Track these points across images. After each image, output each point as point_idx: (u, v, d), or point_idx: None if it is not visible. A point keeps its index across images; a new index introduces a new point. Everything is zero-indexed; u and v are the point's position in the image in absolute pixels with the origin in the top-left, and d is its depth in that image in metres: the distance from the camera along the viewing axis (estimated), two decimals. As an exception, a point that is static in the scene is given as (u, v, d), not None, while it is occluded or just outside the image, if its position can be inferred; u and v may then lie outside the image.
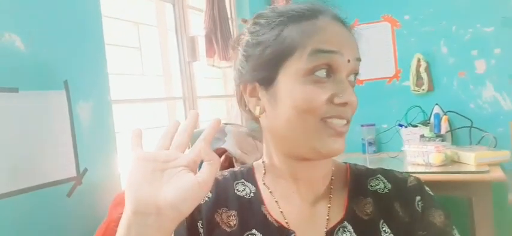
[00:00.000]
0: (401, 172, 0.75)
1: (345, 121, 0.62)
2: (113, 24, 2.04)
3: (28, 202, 1.40)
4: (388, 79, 3.00)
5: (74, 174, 1.56)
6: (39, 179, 1.44)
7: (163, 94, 2.39)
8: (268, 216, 0.67)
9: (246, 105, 0.70)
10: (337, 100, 0.60)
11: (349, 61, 0.61)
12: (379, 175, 0.73)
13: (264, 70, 0.64)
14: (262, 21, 0.67)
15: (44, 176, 1.46)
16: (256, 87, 0.66)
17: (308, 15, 0.63)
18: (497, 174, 1.88)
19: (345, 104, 0.60)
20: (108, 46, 1.83)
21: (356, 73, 0.65)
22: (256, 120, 0.70)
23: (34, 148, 1.44)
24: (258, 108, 0.67)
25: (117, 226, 0.51)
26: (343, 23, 0.66)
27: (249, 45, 0.67)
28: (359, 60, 0.64)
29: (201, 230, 0.66)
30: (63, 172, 1.52)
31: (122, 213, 0.51)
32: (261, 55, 0.64)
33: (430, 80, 2.82)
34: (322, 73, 0.60)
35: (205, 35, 2.40)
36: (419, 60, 2.82)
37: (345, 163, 0.77)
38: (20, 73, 1.42)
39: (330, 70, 0.61)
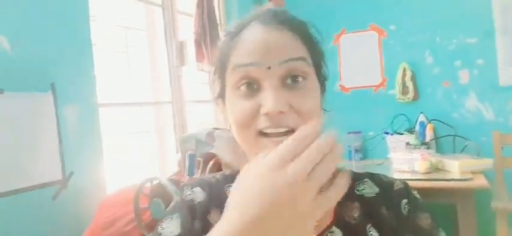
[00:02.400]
0: (387, 176, 0.75)
1: (282, 129, 0.58)
2: (102, 27, 2.02)
3: (12, 205, 1.37)
4: (374, 88, 3.04)
5: (59, 177, 1.54)
6: (24, 182, 1.41)
7: (151, 98, 2.37)
8: None
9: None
10: (261, 111, 0.58)
11: (269, 67, 0.58)
12: (366, 179, 0.74)
13: (219, 86, 0.67)
14: (223, 37, 0.68)
15: (29, 179, 1.43)
16: (220, 102, 0.68)
17: (240, 28, 0.63)
18: (481, 181, 1.92)
19: (266, 113, 0.57)
20: (96, 49, 1.81)
21: (295, 75, 0.59)
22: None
23: (19, 151, 1.41)
24: (227, 122, 0.68)
25: (102, 230, 0.50)
26: (277, 24, 0.61)
27: (214, 62, 0.69)
28: (293, 60, 0.59)
29: (199, 230, 0.66)
30: (49, 175, 1.50)
31: (108, 218, 0.50)
32: (216, 71, 0.67)
33: (415, 89, 2.87)
34: (247, 86, 0.59)
35: (194, 40, 2.40)
36: (405, 70, 2.86)
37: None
38: (6, 75, 1.40)
39: (254, 81, 0.59)
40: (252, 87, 0.59)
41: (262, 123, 0.58)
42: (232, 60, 0.61)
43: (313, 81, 0.62)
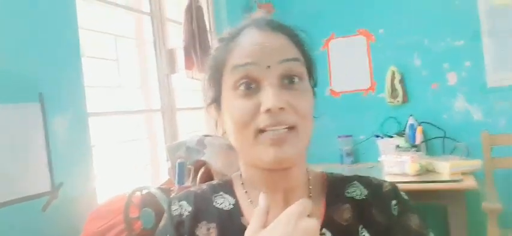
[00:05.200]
0: (376, 178, 0.76)
1: (281, 127, 0.61)
2: (91, 36, 2.02)
3: (1, 217, 1.35)
4: (364, 92, 3.07)
5: (48, 188, 1.52)
6: (13, 193, 1.40)
7: (142, 107, 2.37)
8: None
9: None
10: (261, 109, 0.61)
11: (269, 67, 0.62)
12: (355, 182, 0.74)
13: (214, 91, 0.69)
14: (216, 45, 0.71)
15: (18, 190, 1.42)
16: (215, 108, 0.70)
17: (236, 33, 0.67)
18: (470, 182, 1.94)
19: (267, 111, 0.60)
20: (85, 58, 1.80)
21: (291, 75, 0.63)
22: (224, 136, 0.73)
23: (7, 162, 1.40)
24: (220, 128, 0.70)
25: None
26: (271, 28, 0.66)
27: (206, 69, 0.72)
28: (289, 60, 0.63)
29: None
30: (38, 186, 1.48)
31: (98, 228, 0.50)
32: (210, 77, 0.70)
33: (405, 92, 2.89)
34: (246, 86, 0.62)
35: (184, 47, 2.40)
36: (394, 73, 2.89)
37: (322, 172, 0.78)
38: (-7, 86, 1.39)
39: (252, 81, 0.62)
40: (250, 87, 0.62)
41: (262, 121, 0.61)
42: (230, 62, 0.64)
43: (306, 83, 0.66)
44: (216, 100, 0.69)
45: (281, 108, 0.60)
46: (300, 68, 0.65)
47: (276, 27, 0.67)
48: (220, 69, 0.67)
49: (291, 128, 0.61)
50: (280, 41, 0.65)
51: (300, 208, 0.55)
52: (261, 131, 0.61)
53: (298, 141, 0.62)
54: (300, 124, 0.62)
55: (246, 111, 0.62)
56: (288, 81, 0.63)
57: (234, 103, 0.63)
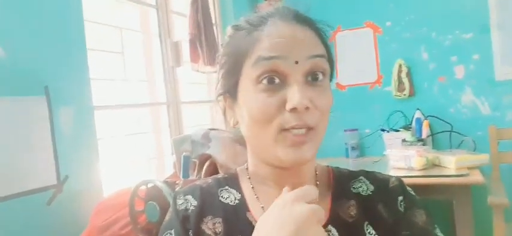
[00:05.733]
0: (382, 173, 0.75)
1: (303, 130, 0.59)
2: (96, 28, 2.02)
3: (6, 211, 1.36)
4: (370, 85, 3.04)
5: (54, 181, 1.53)
6: (18, 187, 1.40)
7: (147, 100, 2.37)
8: (253, 222, 0.67)
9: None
10: (287, 107, 0.58)
11: (297, 62, 0.59)
12: (361, 177, 0.74)
13: (229, 81, 0.66)
14: (232, 32, 0.68)
15: (23, 184, 1.42)
16: (228, 98, 0.68)
17: (259, 23, 0.63)
18: (477, 177, 1.92)
19: (294, 109, 0.58)
20: (90, 51, 1.80)
21: (316, 72, 0.61)
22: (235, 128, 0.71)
23: (13, 155, 1.40)
24: (232, 119, 0.68)
25: (98, 234, 0.51)
26: (297, 21, 0.63)
27: (221, 57, 0.69)
28: (317, 56, 0.61)
29: None
30: (43, 179, 1.49)
31: (103, 221, 0.50)
32: (225, 66, 0.66)
33: (411, 85, 2.87)
34: (269, 80, 0.59)
35: (189, 40, 2.40)
36: (400, 66, 2.86)
37: (328, 166, 0.77)
38: (-1, 79, 1.39)
39: (278, 76, 0.59)
40: (274, 81, 0.59)
41: (286, 121, 0.59)
42: (254, 53, 0.60)
43: (328, 80, 0.64)
44: (230, 91, 0.66)
45: (307, 108, 0.58)
46: (325, 65, 0.62)
47: (303, 20, 0.64)
48: (240, 59, 0.63)
49: (311, 128, 0.60)
50: (308, 35, 0.62)
51: (298, 192, 0.54)
52: (284, 130, 0.59)
53: (316, 141, 0.61)
54: (319, 124, 0.61)
55: (269, 108, 0.59)
56: (311, 77, 0.61)
57: (255, 97, 0.60)
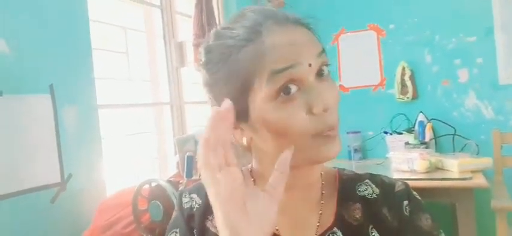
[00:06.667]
0: (388, 177, 0.75)
1: (334, 131, 0.58)
2: (101, 28, 2.03)
3: (10, 208, 1.37)
4: (373, 87, 3.04)
5: (58, 179, 1.54)
6: (22, 184, 1.41)
7: (151, 100, 2.38)
8: None
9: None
10: (316, 110, 0.56)
11: (310, 65, 0.57)
12: (367, 180, 0.73)
13: (235, 106, 0.56)
14: (212, 56, 0.62)
15: (27, 181, 1.43)
16: (243, 126, 0.63)
17: (253, 35, 0.58)
18: (480, 180, 1.92)
19: (325, 110, 0.56)
20: (95, 50, 1.81)
21: (325, 65, 0.60)
22: (246, 149, 0.67)
23: (17, 153, 1.41)
24: (244, 138, 0.63)
25: (101, 233, 0.50)
26: (289, 21, 0.60)
27: (210, 84, 0.63)
28: (322, 52, 0.59)
29: None
30: (47, 177, 1.50)
31: (107, 220, 0.50)
32: (223, 92, 0.60)
33: (415, 88, 2.86)
34: (285, 91, 0.56)
35: (193, 41, 2.40)
36: (404, 69, 2.86)
37: (333, 168, 0.77)
38: (4, 77, 1.40)
39: (295, 83, 0.56)
40: (290, 91, 0.56)
41: (317, 127, 0.57)
42: (265, 69, 0.56)
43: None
44: (242, 115, 0.60)
45: (326, 108, 0.57)
46: (327, 58, 0.60)
47: (296, 20, 0.61)
48: (247, 80, 0.57)
49: (337, 124, 0.59)
50: (305, 34, 0.60)
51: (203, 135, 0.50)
52: (318, 134, 0.57)
53: (339, 132, 0.61)
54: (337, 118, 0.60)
55: (293, 118, 0.56)
56: (319, 74, 0.59)
57: (278, 113, 0.56)
